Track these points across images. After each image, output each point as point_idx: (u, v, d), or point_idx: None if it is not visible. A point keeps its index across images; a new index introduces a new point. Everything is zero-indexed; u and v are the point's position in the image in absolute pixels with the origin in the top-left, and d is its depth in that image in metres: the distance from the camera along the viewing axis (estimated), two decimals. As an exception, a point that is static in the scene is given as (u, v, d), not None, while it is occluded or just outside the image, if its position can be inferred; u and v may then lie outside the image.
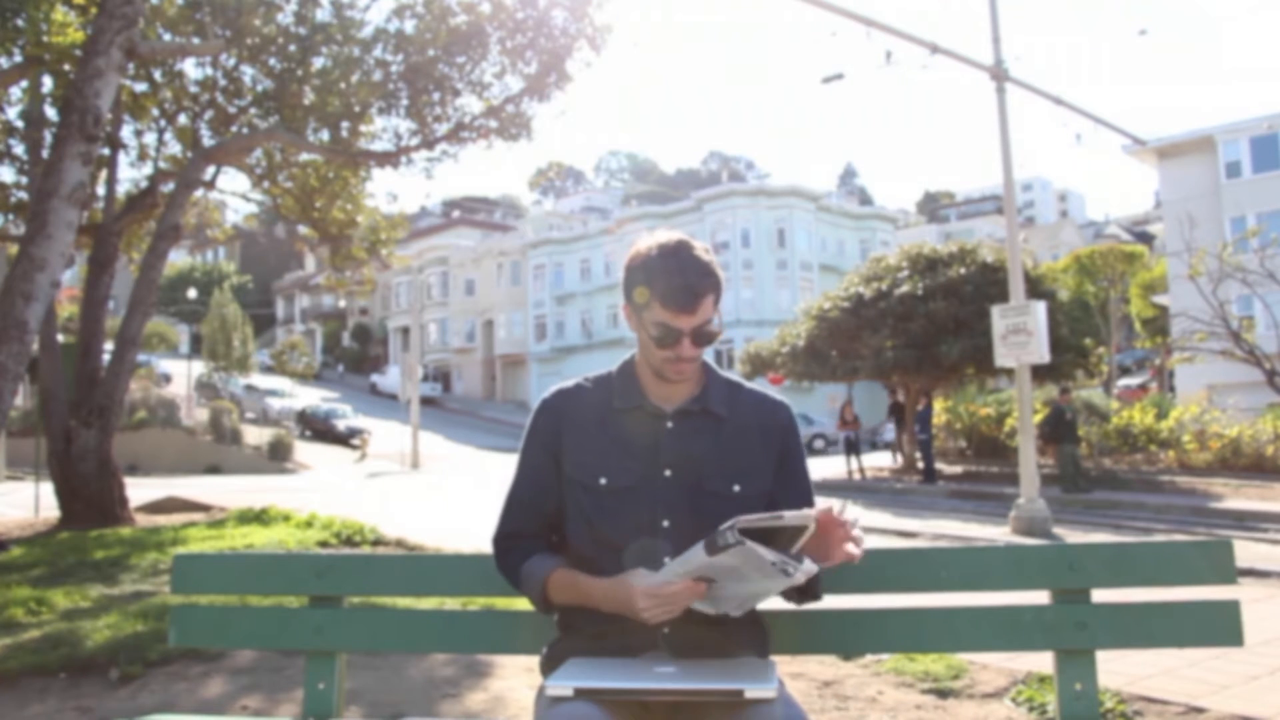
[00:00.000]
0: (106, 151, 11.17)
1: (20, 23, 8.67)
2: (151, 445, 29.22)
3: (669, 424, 1.89)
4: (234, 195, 30.89)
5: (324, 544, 7.81)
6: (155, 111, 12.43)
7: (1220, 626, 1.93)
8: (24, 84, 10.69)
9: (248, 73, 12.50)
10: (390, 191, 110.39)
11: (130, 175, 22.99)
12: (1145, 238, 59.73)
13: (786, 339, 22.17)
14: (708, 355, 1.99)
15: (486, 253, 55.85)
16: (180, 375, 39.64)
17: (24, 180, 11.31)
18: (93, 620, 4.96)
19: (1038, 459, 13.55)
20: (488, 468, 25.68)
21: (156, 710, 3.61)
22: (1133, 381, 38.52)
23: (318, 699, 2.15)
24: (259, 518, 9.42)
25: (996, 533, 11.92)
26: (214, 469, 28.51)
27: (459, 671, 4.23)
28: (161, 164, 12.66)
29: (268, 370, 47.89)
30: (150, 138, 12.91)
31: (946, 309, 18.71)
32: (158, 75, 11.82)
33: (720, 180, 59.37)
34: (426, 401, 41.46)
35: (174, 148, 13.12)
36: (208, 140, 12.35)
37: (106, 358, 10.58)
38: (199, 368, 39.18)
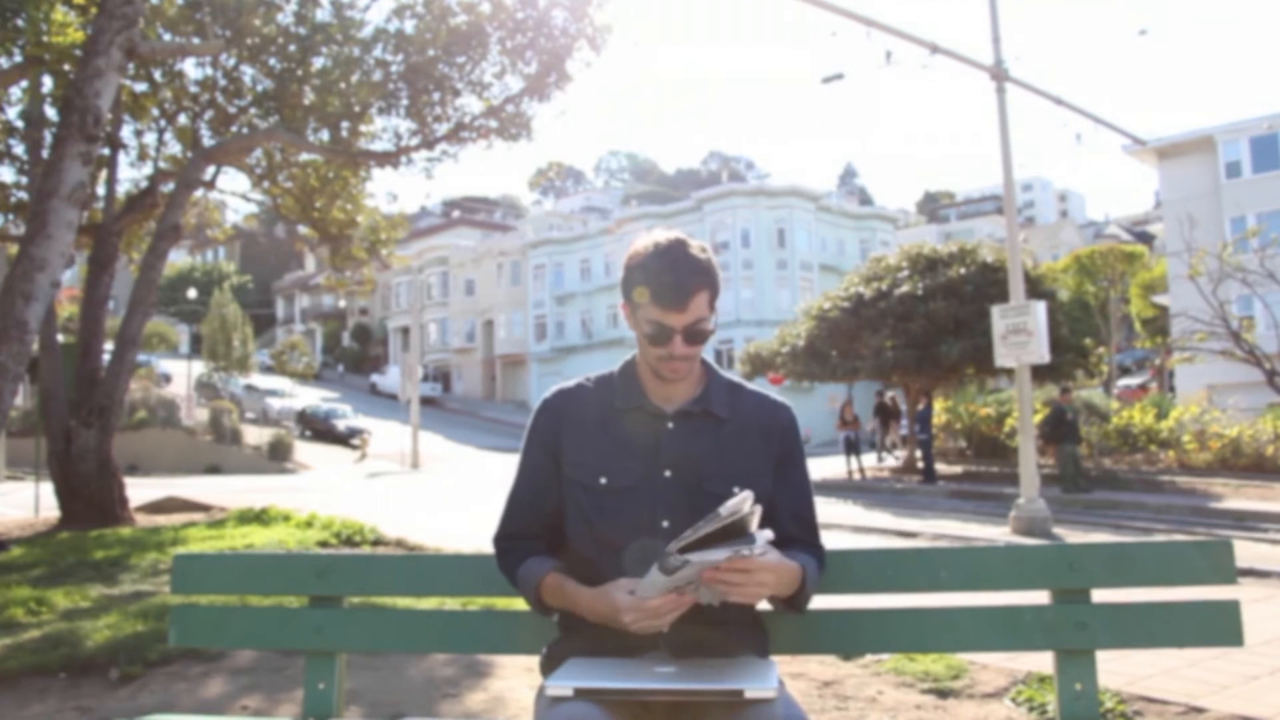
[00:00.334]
0: (106, 151, 11.17)
1: (20, 23, 8.66)
2: (151, 445, 29.23)
3: (669, 424, 1.89)
4: (234, 195, 30.95)
5: (324, 544, 7.81)
6: (155, 111, 12.43)
7: (1220, 626, 1.93)
8: (24, 84, 10.69)
9: (248, 73, 12.51)
10: (390, 191, 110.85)
11: (130, 175, 22.98)
12: (1145, 238, 59.73)
13: (786, 339, 22.17)
14: (708, 355, 1.99)
15: (486, 253, 55.84)
16: (180, 375, 39.65)
17: (24, 180, 11.31)
18: (93, 620, 4.96)
19: (1038, 459, 13.55)
20: (488, 468, 25.68)
21: (156, 710, 3.61)
22: (1133, 381, 38.51)
23: (318, 699, 2.15)
24: (259, 518, 9.42)
25: (996, 533, 11.92)
26: (214, 469, 28.52)
27: (459, 671, 4.23)
28: (161, 164, 12.66)
29: (268, 370, 47.91)
30: (150, 138, 12.93)
31: (946, 309, 18.71)
32: (158, 75, 11.82)
33: (720, 180, 59.34)
34: (426, 401, 41.46)
35: (174, 148, 13.13)
36: (208, 140, 12.35)
37: (106, 358, 10.58)
38: (199, 368, 39.19)
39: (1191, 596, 1.98)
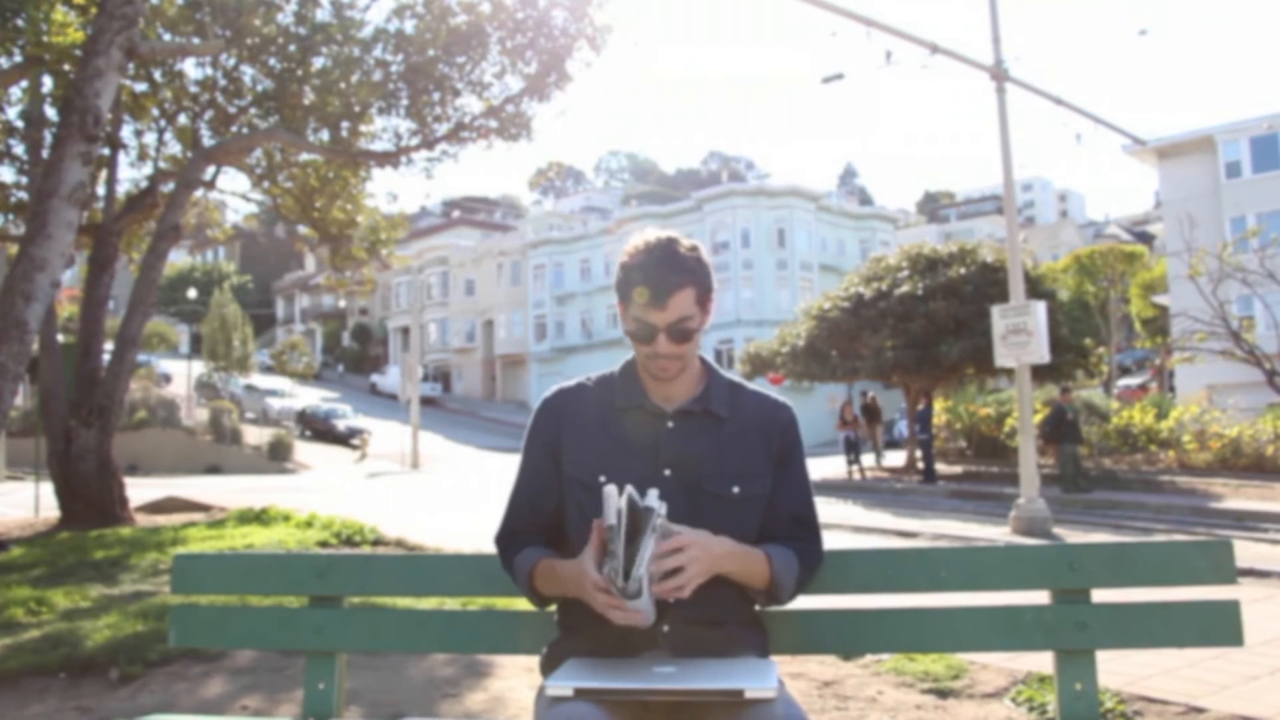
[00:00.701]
0: (106, 151, 11.17)
1: (20, 23, 8.67)
2: (151, 445, 29.24)
3: (669, 424, 1.89)
4: (234, 195, 30.87)
5: (324, 544, 7.81)
6: (155, 111, 12.43)
7: (1220, 626, 1.93)
8: (24, 84, 10.69)
9: (248, 73, 12.50)
10: (390, 191, 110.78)
11: (130, 175, 22.98)
12: (1145, 238, 59.71)
13: (786, 339, 22.17)
14: (708, 355, 1.99)
15: (486, 253, 55.84)
16: (180, 375, 39.65)
17: (24, 180, 11.31)
18: (93, 620, 4.96)
19: (1038, 459, 13.55)
20: (488, 468, 25.69)
21: (156, 710, 3.61)
22: (1133, 381, 38.50)
23: (318, 699, 2.15)
24: (259, 518, 9.42)
25: (996, 533, 11.92)
26: (214, 469, 28.53)
27: (459, 671, 4.23)
28: (161, 164, 12.66)
29: (268, 370, 47.92)
30: (150, 138, 12.93)
31: (946, 309, 18.71)
32: (158, 75, 11.82)
33: (720, 180, 59.32)
34: (426, 401, 41.47)
35: (174, 148, 13.13)
36: (208, 140, 12.35)
37: (106, 358, 10.58)
38: (199, 368, 39.19)
39: (1191, 596, 1.98)
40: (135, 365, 11.92)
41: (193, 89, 12.48)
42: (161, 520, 10.31)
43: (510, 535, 1.96)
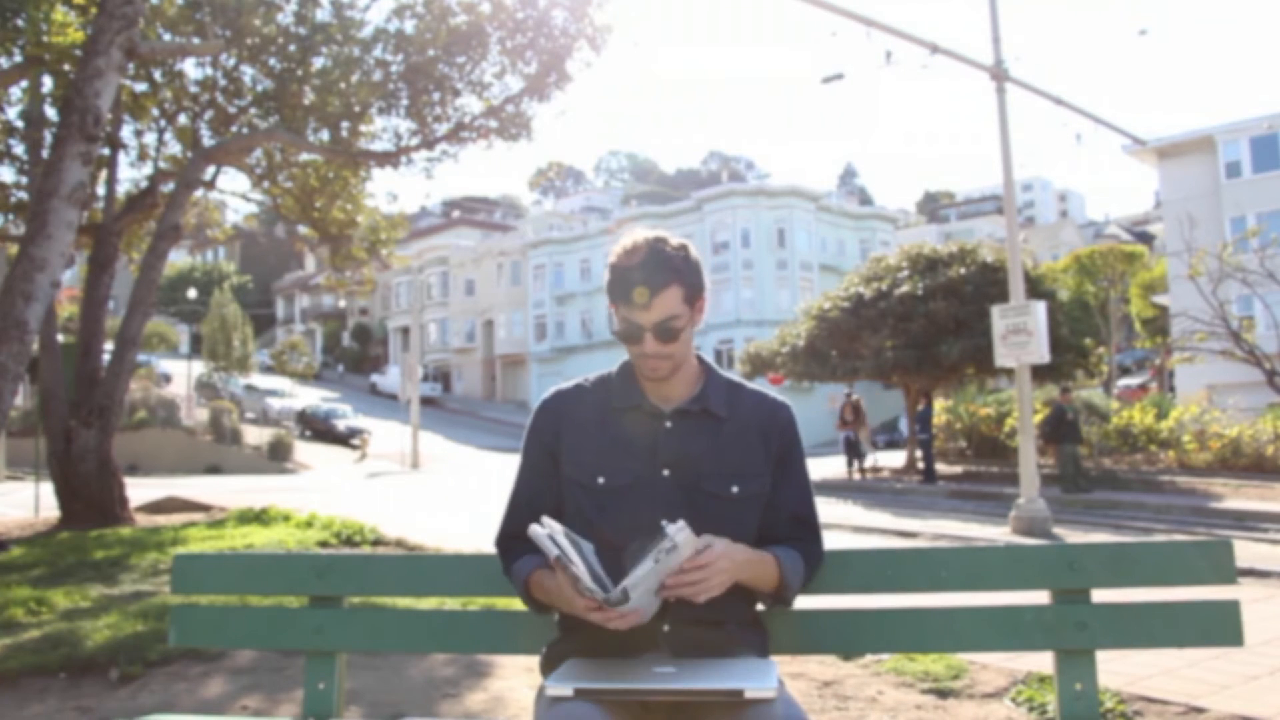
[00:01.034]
0: (106, 151, 11.17)
1: (20, 23, 8.67)
2: (151, 445, 29.24)
3: (667, 423, 1.89)
4: (234, 195, 30.91)
5: (324, 544, 7.81)
6: (155, 111, 12.43)
7: (1220, 626, 1.93)
8: (24, 84, 10.69)
9: (248, 73, 12.50)
10: (390, 191, 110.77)
11: (130, 175, 22.97)
12: (1145, 238, 59.69)
13: (786, 339, 22.17)
14: (708, 355, 1.99)
15: (486, 253, 55.84)
16: (180, 375, 39.65)
17: (24, 180, 11.30)
18: (93, 620, 4.96)
19: (1038, 459, 13.55)
20: (488, 468, 25.68)
21: (156, 710, 3.61)
22: (1133, 381, 38.50)
23: (318, 699, 2.15)
24: (259, 518, 9.42)
25: (996, 533, 11.92)
26: (214, 469, 28.53)
27: (459, 671, 4.23)
28: (161, 164, 12.66)
29: (268, 370, 47.91)
30: (150, 138, 12.93)
31: (946, 309, 18.71)
32: (158, 75, 11.82)
33: (720, 180, 59.33)
34: (426, 401, 41.46)
35: (174, 148, 13.13)
36: (208, 140, 12.35)
37: (106, 358, 10.58)
38: (199, 368, 39.20)
39: (1191, 596, 1.98)
40: (135, 365, 11.92)
41: (193, 89, 12.48)
42: (161, 520, 10.31)
43: (510, 539, 1.96)
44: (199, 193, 13.07)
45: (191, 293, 49.54)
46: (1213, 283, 15.25)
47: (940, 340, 18.62)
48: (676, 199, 58.93)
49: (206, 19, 11.60)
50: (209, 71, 12.35)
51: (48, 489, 10.75)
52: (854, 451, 21.41)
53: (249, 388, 38.99)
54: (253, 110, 12.67)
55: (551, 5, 11.87)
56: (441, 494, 16.25)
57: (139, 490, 12.66)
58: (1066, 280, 32.32)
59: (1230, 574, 1.96)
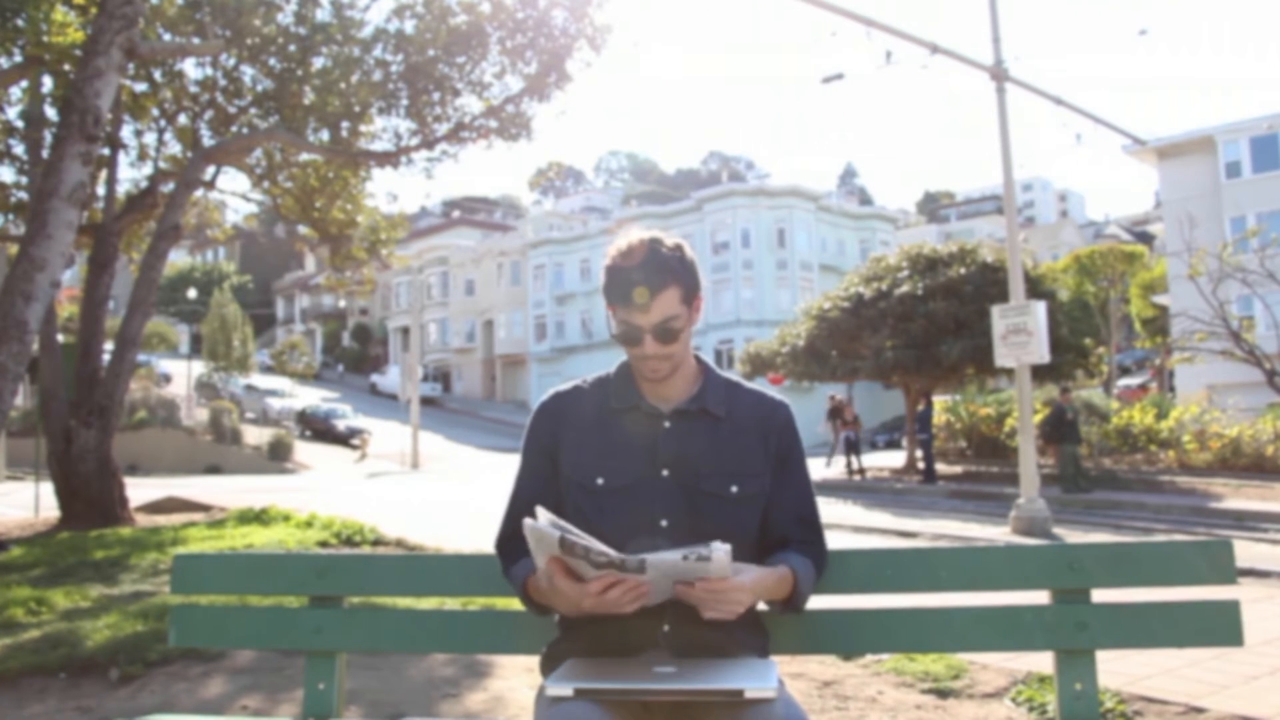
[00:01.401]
0: (106, 151, 11.17)
1: (20, 23, 8.67)
2: (151, 445, 29.25)
3: (666, 424, 1.89)
4: (234, 195, 30.87)
5: (324, 544, 7.81)
6: (155, 111, 12.42)
7: (1220, 626, 1.93)
8: (24, 84, 10.69)
9: (248, 73, 12.50)
10: (390, 191, 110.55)
11: (130, 175, 23.01)
12: (1145, 238, 59.68)
13: (786, 339, 22.17)
14: (708, 355, 1.99)
15: (486, 253, 55.84)
16: (180, 375, 39.66)
17: (24, 180, 11.30)
18: (93, 620, 4.96)
19: (1038, 459, 13.55)
20: (488, 467, 25.68)
21: (156, 710, 3.61)
22: (1133, 381, 38.50)
23: (318, 699, 2.15)
24: (259, 518, 9.42)
25: (996, 533, 11.92)
26: (214, 469, 28.53)
27: (459, 671, 4.23)
28: (161, 164, 12.65)
29: (268, 370, 47.90)
30: (150, 138, 12.92)
31: (946, 309, 18.71)
32: (158, 75, 11.82)
33: (720, 180, 59.32)
34: (426, 401, 41.46)
35: (174, 148, 13.12)
36: (208, 140, 12.35)
37: (106, 358, 10.57)
38: (199, 368, 39.20)
39: (1191, 596, 1.98)
40: (135, 365, 11.91)
41: (193, 89, 12.48)
42: (161, 520, 10.31)
43: (509, 540, 1.96)
44: (199, 193, 13.06)
45: (191, 293, 49.56)
46: (1213, 283, 15.24)
47: (940, 340, 18.62)
48: (676, 199, 58.94)
49: (206, 19, 11.60)
50: (209, 71, 12.35)
51: (48, 489, 10.75)
52: (854, 451, 21.42)
53: (249, 388, 38.98)
54: (253, 110, 12.67)
55: (551, 5, 11.87)
56: (441, 494, 16.24)
57: (139, 490, 12.66)
58: (1066, 280, 32.33)
59: (1230, 574, 1.96)
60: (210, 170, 12.20)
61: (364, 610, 2.38)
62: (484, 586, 2.15)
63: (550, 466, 1.92)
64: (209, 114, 12.60)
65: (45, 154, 9.46)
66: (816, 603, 2.02)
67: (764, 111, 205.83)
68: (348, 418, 37.03)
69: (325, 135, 12.55)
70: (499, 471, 21.26)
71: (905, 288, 19.55)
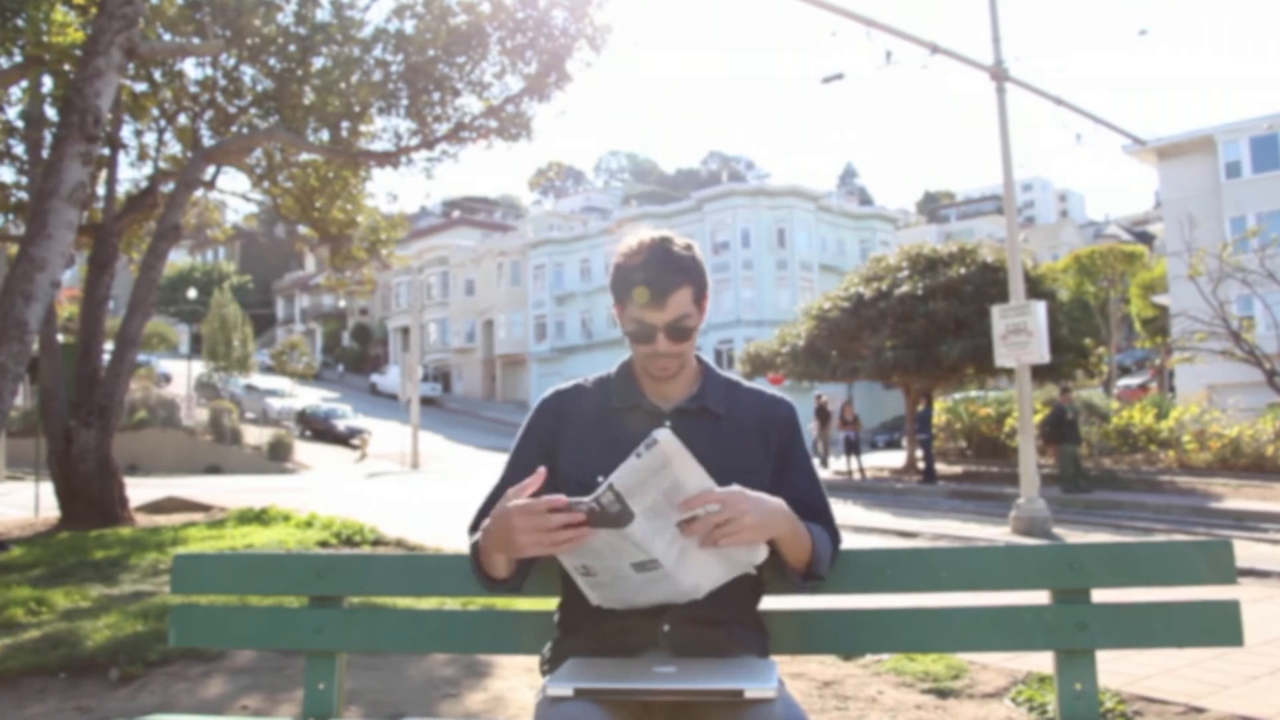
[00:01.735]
0: (106, 151, 11.16)
1: (20, 23, 8.66)
2: (151, 445, 29.25)
3: (666, 422, 1.89)
4: (234, 195, 30.92)
5: (324, 544, 7.81)
6: (155, 111, 12.42)
7: (1220, 626, 1.93)
8: (24, 84, 10.69)
9: (248, 73, 12.50)
10: (390, 191, 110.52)
11: (130, 175, 23.01)
12: (1145, 238, 59.67)
13: (786, 339, 22.18)
14: (708, 355, 2.00)
15: (486, 253, 55.84)
16: (180, 375, 39.66)
17: (24, 180, 11.30)
18: (93, 620, 4.96)
19: (1038, 459, 13.55)
20: (488, 468, 25.68)
21: (156, 710, 3.61)
22: (1133, 381, 38.49)
23: (318, 699, 2.15)
24: (259, 518, 9.42)
25: (996, 533, 11.92)
26: (214, 469, 28.53)
27: (459, 671, 4.23)
28: (161, 164, 12.65)
29: (268, 370, 47.90)
30: (150, 138, 12.92)
31: (946, 309, 18.71)
32: (158, 75, 11.81)
33: (720, 180, 59.34)
34: (426, 401, 41.45)
35: (174, 148, 13.12)
36: (208, 140, 12.35)
37: (106, 358, 10.57)
38: (199, 368, 39.20)
39: (1191, 596, 1.98)
40: (135, 365, 11.91)
41: (193, 89, 12.48)
42: (161, 520, 10.31)
43: (481, 519, 1.92)
44: (199, 193, 13.06)
45: (191, 293, 49.57)
46: (1213, 283, 15.24)
47: (940, 340, 18.62)
48: (676, 199, 58.95)
49: (206, 19, 11.59)
50: (209, 71, 12.34)
51: (48, 489, 10.75)
52: (855, 451, 21.43)
53: (249, 388, 38.98)
54: (253, 110, 12.67)
55: (551, 5, 11.87)
56: (442, 494, 16.24)
57: (139, 490, 12.66)
58: (1066, 280, 32.32)
59: (1230, 574, 1.96)
60: (210, 170, 12.20)
61: (364, 610, 2.38)
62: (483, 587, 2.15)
63: (544, 462, 1.91)
64: (209, 114, 12.60)
65: (45, 154, 9.46)
66: (816, 602, 2.02)
67: (764, 111, 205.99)
68: (348, 418, 37.03)
69: (325, 135, 12.55)
70: (499, 472, 21.23)
71: (905, 288, 19.55)
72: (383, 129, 12.76)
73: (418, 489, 17.82)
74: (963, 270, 19.45)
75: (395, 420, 34.79)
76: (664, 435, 1.57)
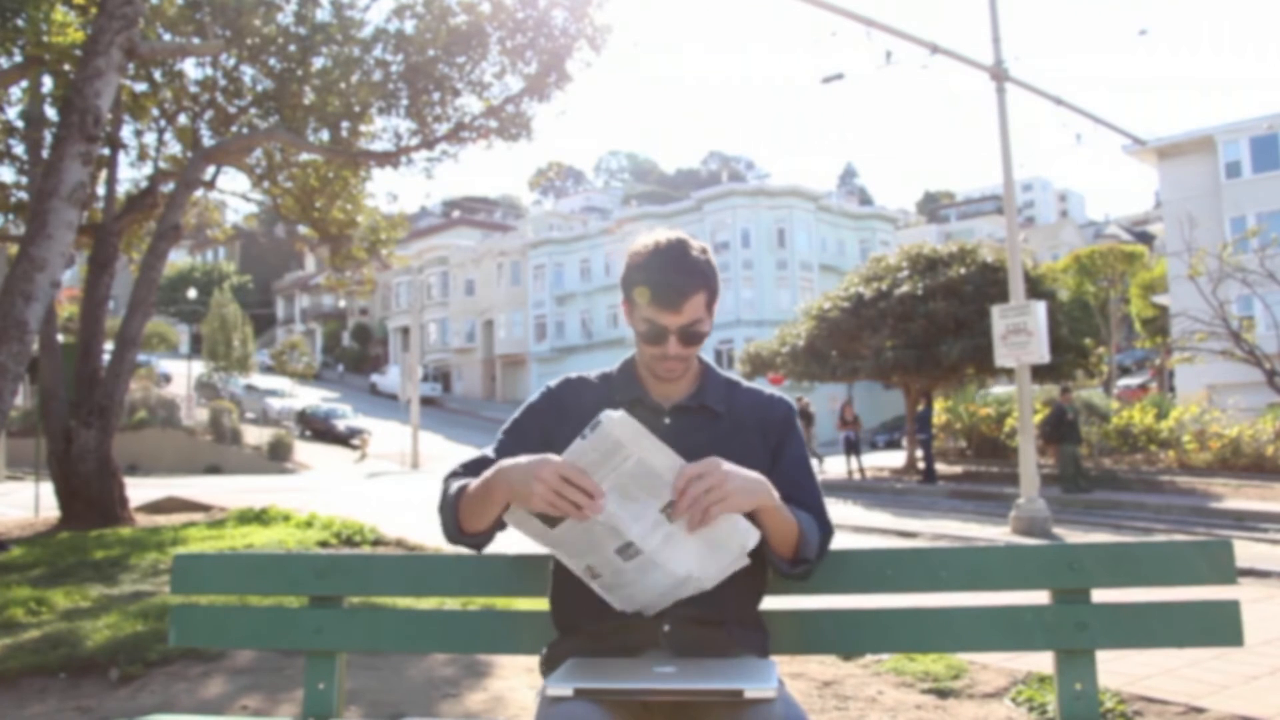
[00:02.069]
0: (106, 151, 11.16)
1: (20, 23, 8.66)
2: (151, 445, 29.25)
3: (667, 420, 1.90)
4: (234, 195, 30.99)
5: (324, 544, 7.81)
6: (155, 111, 12.42)
7: (1220, 626, 1.93)
8: (24, 84, 10.69)
9: (248, 73, 12.50)
10: (390, 191, 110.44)
11: (130, 175, 23.03)
12: (1145, 238, 59.67)
13: (786, 339, 22.18)
14: (708, 355, 2.00)
15: (486, 253, 55.84)
16: (180, 375, 39.66)
17: (24, 180, 11.30)
18: (93, 620, 4.96)
19: (1038, 459, 13.56)
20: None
21: (156, 710, 3.61)
22: (1133, 381, 38.48)
23: (318, 699, 2.15)
24: (259, 518, 9.42)
25: (996, 533, 11.92)
26: (214, 469, 28.54)
27: (459, 671, 4.23)
28: (161, 164, 12.65)
29: (268, 370, 47.92)
30: (150, 138, 12.92)
31: (946, 309, 18.71)
32: (158, 75, 11.81)
33: (720, 180, 59.33)
34: (426, 401, 41.45)
35: (174, 148, 13.12)
36: (208, 140, 12.35)
37: (106, 358, 10.57)
38: (199, 368, 39.21)
39: (1191, 596, 1.98)
40: (135, 365, 11.91)
41: (193, 89, 12.48)
42: (161, 520, 10.31)
43: (463, 469, 1.91)
44: (199, 193, 13.06)
45: (191, 293, 49.59)
46: (1213, 283, 15.25)
47: (940, 340, 18.62)
48: (676, 199, 58.95)
49: (206, 19, 11.59)
50: (209, 71, 12.34)
51: (48, 489, 10.74)
52: (854, 451, 21.43)
53: (249, 388, 38.99)
54: (253, 110, 12.66)
55: (551, 5, 11.87)
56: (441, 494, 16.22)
57: (139, 490, 12.66)
58: (1066, 280, 32.33)
59: (1230, 574, 1.96)
60: (210, 170, 12.20)
61: (364, 610, 2.37)
62: (484, 586, 2.15)
63: (540, 438, 1.89)
64: (209, 114, 12.60)
65: (45, 154, 9.46)
66: (816, 603, 2.03)
67: (764, 111, 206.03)
68: (348, 418, 37.03)
69: (325, 135, 12.56)
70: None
71: (905, 288, 19.56)
72: (383, 129, 12.78)
73: (418, 489, 17.80)
74: (963, 270, 19.45)
75: (395, 420, 34.80)
76: (610, 416, 1.57)
